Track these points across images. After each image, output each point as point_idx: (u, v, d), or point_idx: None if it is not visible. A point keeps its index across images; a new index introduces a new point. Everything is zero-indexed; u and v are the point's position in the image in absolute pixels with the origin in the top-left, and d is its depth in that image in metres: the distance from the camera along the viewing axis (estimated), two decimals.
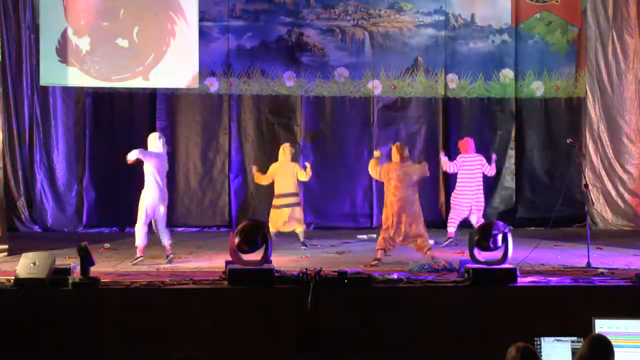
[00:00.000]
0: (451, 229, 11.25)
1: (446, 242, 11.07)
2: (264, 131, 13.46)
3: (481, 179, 11.23)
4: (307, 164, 11.29)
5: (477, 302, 7.11)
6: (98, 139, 13.19)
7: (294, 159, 11.52)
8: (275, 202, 11.09)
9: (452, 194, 11.48)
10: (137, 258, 9.41)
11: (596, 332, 5.65)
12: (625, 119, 13.44)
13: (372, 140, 13.54)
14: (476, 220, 11.11)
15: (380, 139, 13.51)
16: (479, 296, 7.16)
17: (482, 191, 11.26)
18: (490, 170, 11.29)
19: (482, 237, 7.41)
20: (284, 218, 10.98)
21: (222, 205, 13.39)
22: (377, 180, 13.28)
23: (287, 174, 11.09)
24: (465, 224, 11.43)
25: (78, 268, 7.23)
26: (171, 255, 9.54)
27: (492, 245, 7.39)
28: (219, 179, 13.30)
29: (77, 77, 12.68)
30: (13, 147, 12.83)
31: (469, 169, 11.21)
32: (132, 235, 9.88)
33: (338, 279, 7.18)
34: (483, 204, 11.35)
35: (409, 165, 9.70)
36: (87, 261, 7.06)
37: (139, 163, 9.72)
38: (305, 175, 11.16)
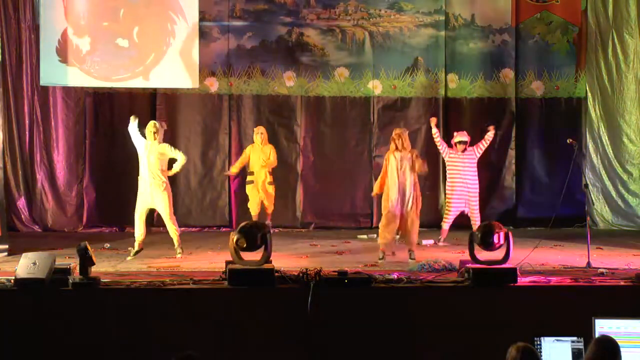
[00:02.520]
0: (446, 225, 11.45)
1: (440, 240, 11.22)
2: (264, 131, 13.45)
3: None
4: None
5: (477, 302, 7.11)
6: (98, 138, 13.19)
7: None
8: (249, 178, 11.90)
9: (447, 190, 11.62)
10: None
11: (596, 332, 5.66)
12: (625, 119, 13.45)
13: (372, 140, 13.54)
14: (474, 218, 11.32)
15: (380, 139, 13.52)
16: (479, 296, 7.16)
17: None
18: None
19: (483, 237, 7.40)
20: (260, 196, 11.78)
21: (222, 205, 13.40)
22: (376, 180, 13.35)
23: (259, 158, 11.80)
24: (464, 224, 11.47)
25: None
26: (179, 250, 9.73)
27: (492, 246, 7.38)
28: (219, 179, 13.29)
29: (77, 77, 12.66)
30: (13, 147, 12.83)
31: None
32: (133, 235, 9.92)
33: (338, 279, 7.18)
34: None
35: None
36: (86, 261, 7.04)
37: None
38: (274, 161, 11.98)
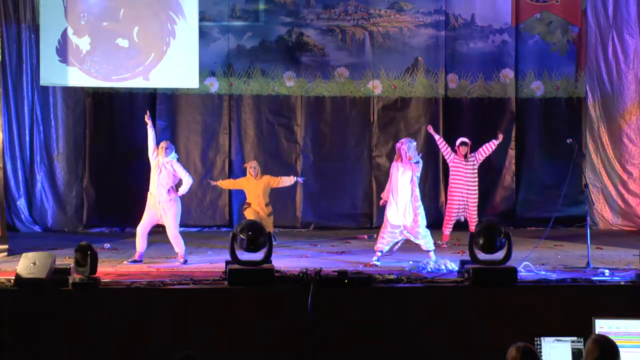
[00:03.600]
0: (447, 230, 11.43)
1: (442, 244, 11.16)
2: (264, 131, 13.47)
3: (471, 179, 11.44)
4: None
5: (477, 302, 7.12)
6: (98, 139, 13.19)
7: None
8: (246, 206, 11.38)
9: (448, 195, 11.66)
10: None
11: (596, 332, 5.65)
12: (625, 119, 13.45)
13: (372, 140, 13.55)
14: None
15: (380, 139, 13.52)
16: (479, 296, 7.17)
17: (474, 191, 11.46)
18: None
19: (483, 238, 7.40)
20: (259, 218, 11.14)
21: (222, 205, 13.40)
22: (376, 180, 13.35)
23: (254, 192, 11.21)
24: (464, 225, 11.48)
25: None
26: (181, 259, 9.56)
27: (492, 246, 7.38)
28: (219, 179, 13.27)
29: (77, 77, 12.66)
30: (13, 147, 12.83)
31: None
32: (133, 235, 9.91)
33: (338, 279, 7.18)
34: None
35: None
36: (93, 258, 7.02)
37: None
38: (281, 182, 11.38)
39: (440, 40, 13.56)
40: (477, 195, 11.41)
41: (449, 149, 11.44)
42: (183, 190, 9.73)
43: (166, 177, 9.63)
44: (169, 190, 9.60)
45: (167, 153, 9.65)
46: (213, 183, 11.73)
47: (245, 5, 13.39)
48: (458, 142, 11.45)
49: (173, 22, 12.76)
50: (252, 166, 11.40)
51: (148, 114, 10.04)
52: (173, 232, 9.61)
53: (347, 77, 13.50)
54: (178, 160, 9.88)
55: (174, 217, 9.63)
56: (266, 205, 11.24)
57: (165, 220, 9.63)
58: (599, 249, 10.25)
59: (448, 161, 11.54)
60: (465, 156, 11.34)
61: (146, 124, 9.94)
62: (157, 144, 9.82)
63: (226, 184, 11.91)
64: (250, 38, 13.40)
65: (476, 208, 11.40)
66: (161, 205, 9.58)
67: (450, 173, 11.54)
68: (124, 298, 7.06)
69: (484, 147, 11.39)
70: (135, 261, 9.44)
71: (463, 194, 11.33)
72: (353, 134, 13.59)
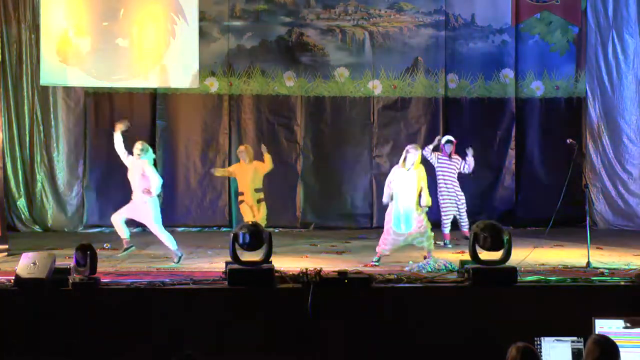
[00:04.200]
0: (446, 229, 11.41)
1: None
2: (264, 131, 13.47)
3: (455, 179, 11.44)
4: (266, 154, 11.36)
5: (477, 302, 7.11)
6: (98, 139, 13.17)
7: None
8: (240, 198, 11.38)
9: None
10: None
11: (596, 332, 5.66)
12: (625, 119, 13.46)
13: (372, 140, 13.55)
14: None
15: (380, 139, 13.52)
16: (479, 296, 7.17)
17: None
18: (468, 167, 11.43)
19: (489, 235, 7.39)
20: (253, 213, 11.15)
21: (222, 205, 13.40)
22: (376, 180, 13.35)
23: (245, 175, 11.25)
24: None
25: None
26: (175, 259, 9.57)
27: (500, 243, 7.37)
28: (219, 179, 13.28)
29: (77, 77, 12.66)
30: (13, 147, 12.84)
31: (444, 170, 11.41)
32: (132, 235, 9.93)
33: (338, 279, 7.18)
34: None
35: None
36: (94, 258, 7.02)
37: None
38: (268, 166, 11.28)
39: (440, 40, 13.57)
40: (463, 196, 11.41)
41: (430, 152, 11.35)
42: (153, 191, 9.64)
43: (138, 179, 9.64)
44: (142, 192, 9.60)
45: (140, 155, 9.65)
46: (212, 170, 11.88)
47: (245, 5, 13.39)
48: (444, 140, 11.42)
49: (173, 22, 12.76)
50: (241, 150, 11.40)
51: (126, 121, 10.03)
52: (156, 232, 9.66)
53: (347, 77, 13.50)
54: (154, 161, 9.87)
55: (151, 217, 9.66)
56: (256, 190, 11.22)
57: (145, 221, 9.69)
58: (599, 249, 10.25)
59: (434, 161, 11.35)
60: (450, 155, 11.34)
61: (116, 129, 9.90)
62: (128, 147, 9.76)
63: (221, 172, 11.97)
64: (250, 38, 13.40)
65: (465, 207, 11.40)
66: (138, 206, 9.64)
67: (437, 172, 11.43)
68: (124, 298, 7.06)
69: (467, 164, 11.36)
70: (126, 249, 9.60)
71: (451, 192, 11.33)
72: (353, 134, 13.59)
